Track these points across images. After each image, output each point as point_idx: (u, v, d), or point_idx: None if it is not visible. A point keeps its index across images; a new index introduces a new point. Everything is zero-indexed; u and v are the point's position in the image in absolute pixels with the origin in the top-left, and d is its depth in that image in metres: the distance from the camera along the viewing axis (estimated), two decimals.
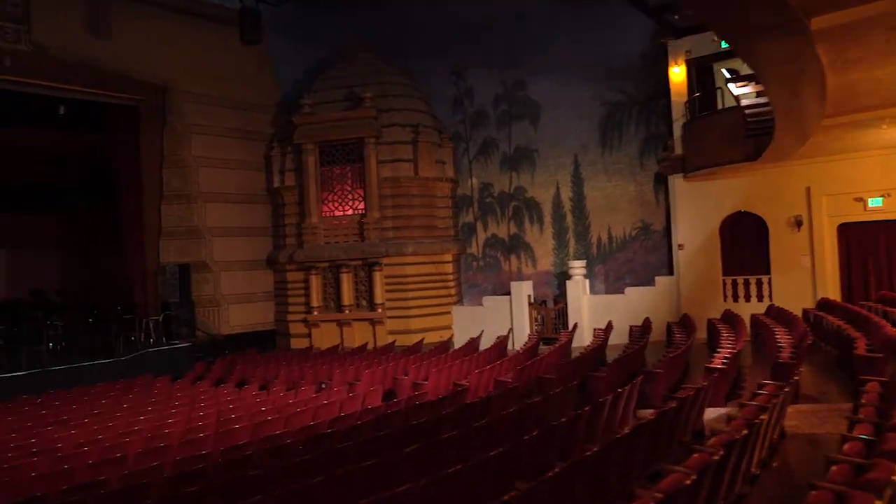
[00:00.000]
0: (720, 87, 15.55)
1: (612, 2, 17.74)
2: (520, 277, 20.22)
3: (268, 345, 19.86)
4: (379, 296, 19.29)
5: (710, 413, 8.37)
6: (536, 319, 19.26)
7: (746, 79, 8.83)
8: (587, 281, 18.82)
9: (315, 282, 19.68)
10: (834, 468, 4.16)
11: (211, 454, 7.08)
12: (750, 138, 12.78)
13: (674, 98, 17.13)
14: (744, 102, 10.20)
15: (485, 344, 16.75)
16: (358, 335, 19.31)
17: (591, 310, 18.42)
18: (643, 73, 18.57)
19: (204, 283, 19.19)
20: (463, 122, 21.27)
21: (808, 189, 15.21)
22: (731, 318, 14.35)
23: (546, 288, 20.27)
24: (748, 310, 15.35)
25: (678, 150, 17.03)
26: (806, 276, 15.45)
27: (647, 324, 15.34)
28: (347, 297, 19.51)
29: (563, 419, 6.28)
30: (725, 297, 16.56)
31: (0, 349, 14.87)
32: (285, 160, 20.17)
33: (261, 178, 20.67)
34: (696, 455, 4.91)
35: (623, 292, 18.33)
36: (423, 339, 17.76)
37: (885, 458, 4.19)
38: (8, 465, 7.30)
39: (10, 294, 20.26)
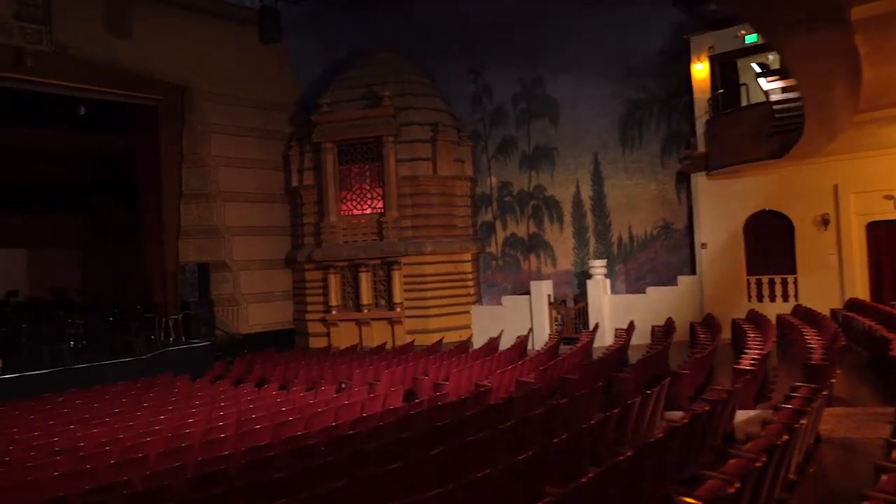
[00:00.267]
0: (745, 84, 15.33)
1: None
2: (539, 277, 20.04)
3: (286, 344, 19.83)
4: (397, 295, 19.20)
5: (740, 416, 8.19)
6: (556, 319, 19.07)
7: (777, 73, 8.62)
8: (608, 280, 18.61)
9: (333, 281, 19.63)
10: (885, 477, 3.98)
11: (233, 455, 7.00)
12: (777, 135, 12.54)
13: (696, 95, 16.89)
14: (773, 98, 9.97)
15: (504, 344, 16.58)
16: (376, 335, 19.23)
17: (611, 310, 18.20)
18: (664, 70, 18.32)
19: (223, 283, 19.20)
20: (482, 121, 21.12)
21: (836, 187, 14.92)
22: (756, 319, 14.10)
23: (566, 287, 20.08)
24: (773, 310, 15.08)
25: (701, 147, 16.78)
26: (833, 276, 15.15)
27: (670, 324, 15.11)
28: (366, 296, 19.44)
29: (591, 422, 6.12)
30: (750, 297, 16.30)
31: (22, 347, 14.96)
32: (304, 159, 20.14)
33: (279, 177, 20.65)
34: (732, 460, 4.75)
35: (644, 292, 18.10)
36: (442, 339, 17.64)
37: None
38: (31, 464, 7.27)
39: (32, 293, 20.37)
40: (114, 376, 14.18)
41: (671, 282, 18.00)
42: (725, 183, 16.42)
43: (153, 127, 18.70)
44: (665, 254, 18.75)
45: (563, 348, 15.59)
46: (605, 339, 17.22)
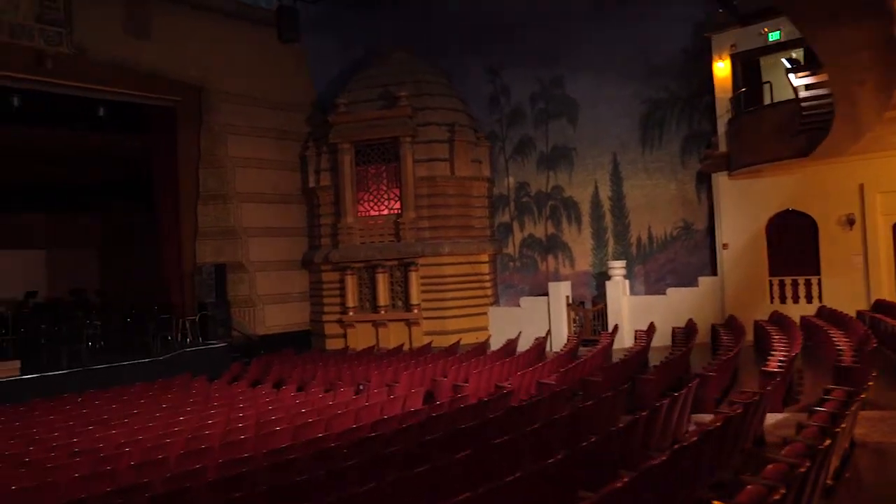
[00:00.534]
0: (768, 82, 15.09)
1: None
2: (557, 278, 19.87)
3: (303, 345, 19.77)
4: (415, 296, 19.10)
5: (769, 419, 8.01)
6: (574, 321, 18.89)
7: (808, 68, 8.43)
8: (627, 281, 18.41)
9: (350, 282, 19.56)
10: None
11: (253, 457, 6.91)
12: (803, 133, 12.30)
13: (718, 94, 16.67)
14: (802, 94, 9.77)
15: (522, 346, 16.42)
16: (393, 336, 19.13)
17: (631, 311, 18.00)
18: (685, 69, 18.12)
19: (240, 284, 19.17)
20: (499, 121, 20.98)
21: (862, 186, 14.66)
22: (780, 320, 13.88)
23: (584, 289, 19.89)
24: (797, 311, 14.86)
25: (722, 147, 16.56)
26: (858, 277, 14.89)
27: (691, 326, 14.89)
28: (383, 297, 19.35)
29: (618, 424, 5.97)
30: (772, 298, 16.06)
31: (41, 348, 15.00)
32: (321, 160, 20.09)
33: (296, 177, 20.61)
34: (771, 465, 4.59)
35: (664, 293, 17.89)
36: (459, 341, 17.51)
37: None
38: (51, 465, 7.23)
39: (51, 294, 20.48)
40: (131, 377, 14.19)
41: (691, 283, 17.78)
42: (747, 183, 16.19)
43: (171, 128, 18.70)
44: (685, 254, 18.53)
45: (582, 350, 15.40)
46: (624, 340, 17.05)
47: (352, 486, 5.30)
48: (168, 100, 18.35)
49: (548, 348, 16.89)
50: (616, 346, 15.83)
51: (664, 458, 4.55)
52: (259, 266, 19.57)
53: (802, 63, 8.63)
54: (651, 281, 18.95)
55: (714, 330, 14.97)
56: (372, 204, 19.89)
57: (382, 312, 19.36)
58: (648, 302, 17.86)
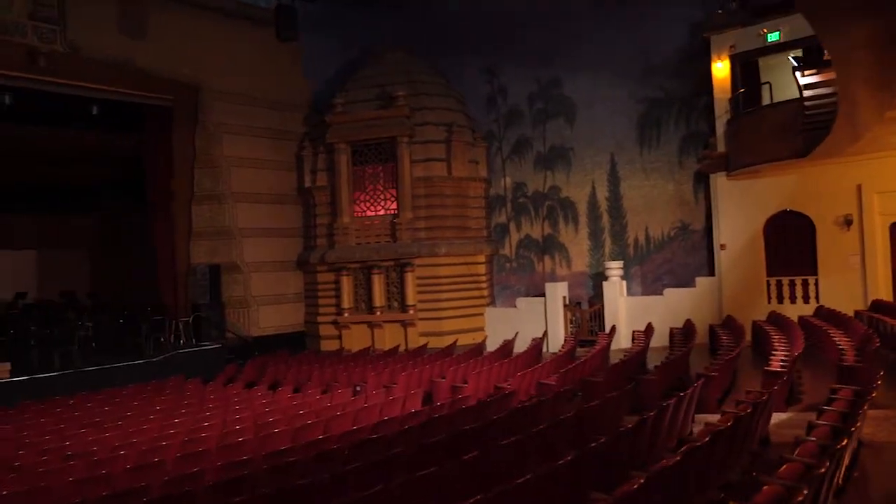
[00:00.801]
0: (768, 82, 15.06)
1: None
2: (553, 279, 19.79)
3: (297, 347, 19.62)
4: (411, 297, 18.96)
5: (772, 419, 7.94)
6: (571, 321, 18.81)
7: (815, 66, 8.37)
8: (624, 282, 18.34)
9: (346, 283, 19.41)
10: None
11: (253, 460, 6.78)
12: (804, 133, 12.25)
13: (716, 95, 16.63)
14: (807, 93, 9.71)
15: (518, 346, 16.32)
16: (389, 337, 18.99)
17: (628, 312, 17.93)
18: (683, 69, 18.09)
19: (234, 285, 19.00)
20: (496, 121, 20.90)
21: (859, 187, 14.64)
22: (778, 321, 13.83)
23: (581, 289, 19.82)
24: (794, 311, 14.84)
25: (721, 147, 16.51)
26: (855, 277, 14.86)
27: (689, 326, 14.81)
28: (379, 298, 19.20)
29: (629, 425, 5.87)
30: (770, 298, 16.02)
31: (31, 350, 14.79)
32: (317, 160, 19.95)
33: (292, 177, 20.46)
34: (786, 465, 4.51)
35: (661, 294, 17.84)
36: (455, 341, 17.39)
37: None
38: (44, 469, 7.07)
39: (41, 295, 20.22)
40: (124, 379, 14.01)
41: (688, 283, 17.73)
42: (746, 183, 16.15)
43: (165, 127, 18.51)
44: (682, 255, 18.48)
45: (580, 351, 15.33)
46: (620, 341, 16.98)
47: (356, 489, 5.18)
48: (163, 99, 18.16)
49: (544, 349, 16.79)
50: (613, 346, 15.75)
51: (678, 458, 4.45)
52: (254, 267, 19.40)
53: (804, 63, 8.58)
54: (648, 281, 18.90)
55: (712, 330, 14.91)
56: (368, 204, 19.75)
57: (378, 313, 19.22)
58: (645, 302, 17.79)
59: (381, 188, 19.62)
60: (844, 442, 4.47)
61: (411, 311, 18.95)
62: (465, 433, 6.88)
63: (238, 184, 19.19)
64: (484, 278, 19.98)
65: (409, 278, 18.96)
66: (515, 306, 19.58)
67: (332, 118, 19.34)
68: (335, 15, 20.88)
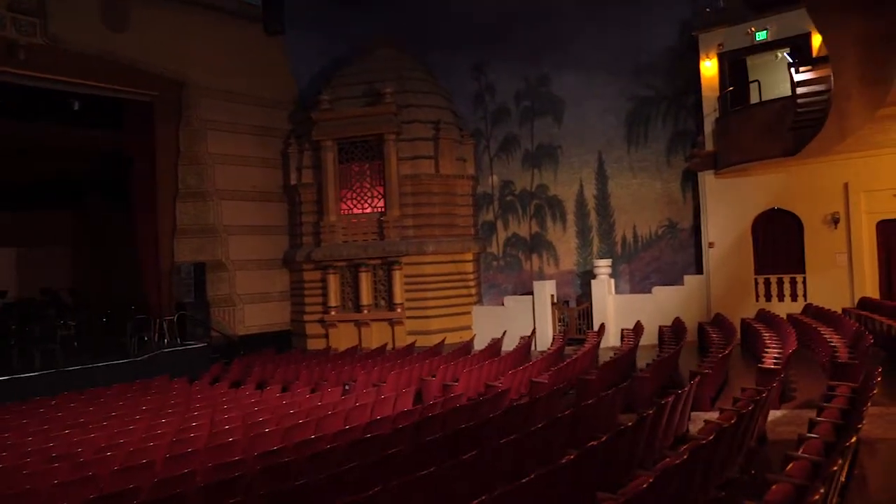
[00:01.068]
0: (757, 80, 15.09)
1: None
2: (541, 277, 19.75)
3: (283, 345, 19.42)
4: (398, 295, 18.83)
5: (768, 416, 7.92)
6: (560, 320, 18.76)
7: (810, 63, 8.35)
8: (612, 280, 18.33)
9: (333, 281, 19.24)
10: None
11: (244, 461, 6.63)
12: (795, 131, 12.27)
13: (705, 93, 16.63)
14: (800, 90, 9.71)
15: (506, 345, 16.25)
16: (376, 336, 18.85)
17: (616, 310, 17.93)
18: (671, 67, 18.12)
19: (219, 283, 18.74)
20: (484, 119, 20.81)
21: (846, 185, 14.70)
22: (767, 318, 13.87)
23: (569, 288, 19.79)
24: (782, 309, 14.88)
25: (709, 146, 16.53)
26: (842, 275, 14.94)
27: (678, 324, 14.81)
28: (366, 296, 19.06)
29: (629, 423, 5.79)
30: (758, 296, 16.06)
31: (12, 349, 14.49)
32: (303, 157, 19.74)
33: (277, 175, 20.23)
34: (794, 463, 4.45)
35: (649, 292, 17.84)
36: (444, 340, 17.28)
37: None
38: (27, 471, 6.86)
39: (21, 293, 19.84)
40: (107, 379, 13.76)
41: (676, 282, 17.75)
42: (734, 181, 16.19)
43: (148, 123, 18.22)
44: (670, 253, 18.51)
45: (568, 349, 15.30)
46: (609, 339, 16.97)
47: (354, 490, 5.05)
48: (146, 94, 17.90)
49: (532, 348, 16.73)
50: (602, 345, 15.71)
51: (685, 457, 4.37)
52: (239, 265, 19.17)
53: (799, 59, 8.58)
54: (636, 280, 18.90)
55: (701, 328, 14.94)
56: (355, 202, 19.58)
57: (365, 312, 19.07)
58: (634, 301, 17.79)
59: (368, 186, 19.46)
60: (854, 439, 4.42)
61: (399, 310, 18.82)
62: (461, 432, 6.78)
63: (223, 181, 18.94)
64: (471, 277, 19.89)
65: (397, 276, 18.82)
66: (503, 305, 19.50)
67: (319, 115, 19.14)
68: (322, 11, 20.65)
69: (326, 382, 12.85)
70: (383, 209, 19.14)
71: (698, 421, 8.14)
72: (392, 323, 18.90)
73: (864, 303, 13.56)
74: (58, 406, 11.34)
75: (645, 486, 3.87)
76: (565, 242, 19.95)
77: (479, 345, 17.01)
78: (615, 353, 13.28)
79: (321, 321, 19.38)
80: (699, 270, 17.50)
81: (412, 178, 19.06)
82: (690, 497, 4.71)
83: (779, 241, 15.84)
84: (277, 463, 6.28)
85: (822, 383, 9.78)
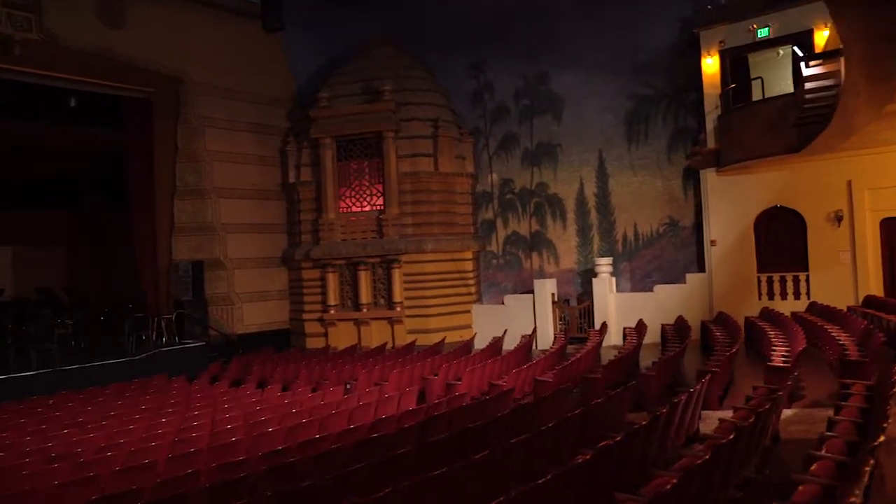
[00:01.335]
0: (759, 77, 15.00)
1: None
2: (541, 275, 19.63)
3: (282, 344, 19.25)
4: (398, 294, 18.69)
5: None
6: (561, 319, 18.66)
7: (821, 57, 8.25)
8: (614, 279, 18.23)
9: (332, 280, 19.10)
10: None
11: (248, 461, 6.49)
12: (800, 127, 12.18)
13: (706, 90, 16.54)
14: (808, 85, 9.60)
15: (507, 344, 16.13)
16: (375, 335, 18.72)
17: (618, 308, 17.83)
18: (671, 65, 18.04)
19: (217, 281, 18.58)
20: (483, 117, 20.69)
21: (850, 183, 14.62)
22: (771, 317, 13.78)
23: (569, 286, 19.69)
24: (785, 307, 14.83)
25: (711, 143, 16.44)
26: (846, 273, 14.87)
27: (683, 323, 14.70)
28: (365, 295, 18.92)
29: (642, 422, 5.68)
30: (760, 294, 15.98)
31: (7, 348, 14.30)
32: (301, 155, 19.59)
33: (276, 173, 20.07)
34: (818, 463, 4.34)
35: (650, 290, 17.74)
36: (444, 339, 17.16)
37: None
38: (27, 471, 6.71)
39: (17, 292, 19.64)
40: (105, 378, 13.57)
41: (677, 280, 17.67)
42: (736, 179, 16.10)
43: (146, 120, 18.04)
44: (671, 251, 18.42)
45: (570, 348, 15.20)
46: (611, 338, 16.88)
47: (363, 491, 4.93)
48: (143, 91, 17.70)
49: (533, 347, 16.62)
50: (604, 343, 15.63)
51: (706, 456, 4.26)
52: (237, 263, 19.00)
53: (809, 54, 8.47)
54: (637, 278, 18.81)
55: (704, 327, 14.83)
56: (354, 200, 19.44)
57: (364, 311, 18.94)
58: (636, 299, 17.68)
59: (367, 184, 19.32)
60: (881, 439, 4.32)
61: (398, 309, 18.69)
62: (469, 431, 6.66)
63: (221, 179, 18.77)
64: (471, 275, 19.78)
65: (396, 275, 18.69)
66: (502, 303, 19.39)
67: (317, 113, 18.99)
68: (319, 9, 20.49)
69: (327, 381, 12.72)
70: (382, 207, 19.01)
71: (708, 420, 8.07)
72: (391, 322, 18.77)
73: (870, 301, 13.47)
74: (55, 405, 11.17)
75: (669, 486, 3.76)
76: (565, 241, 19.85)
77: (480, 344, 16.90)
78: (619, 352, 13.19)
79: (320, 320, 19.24)
80: (700, 268, 17.41)
81: (411, 175, 18.93)
82: (711, 497, 4.60)
83: (781, 239, 15.77)
84: (282, 463, 6.14)
85: (831, 382, 9.71)
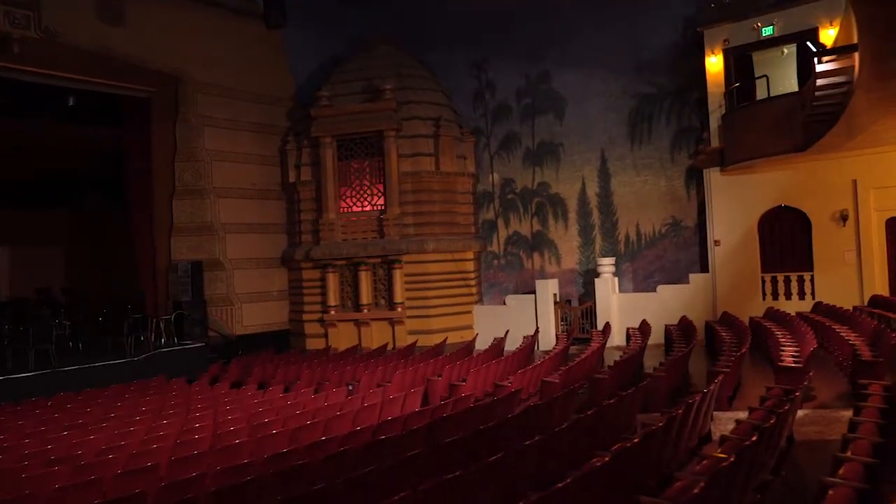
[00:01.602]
0: (765, 76, 14.90)
1: None
2: (543, 276, 19.52)
3: (282, 345, 19.13)
4: (398, 295, 18.56)
5: None
6: (563, 319, 18.54)
7: (836, 52, 8.14)
8: (616, 279, 18.11)
9: (332, 280, 18.95)
10: None
11: (254, 464, 6.34)
12: (808, 124, 12.07)
13: (710, 89, 16.42)
14: (819, 81, 9.49)
15: (508, 345, 16.01)
16: (376, 335, 18.58)
17: (620, 309, 17.71)
18: (674, 64, 17.95)
19: (217, 282, 18.43)
20: (484, 117, 20.58)
21: (855, 182, 14.52)
22: (777, 317, 13.67)
23: (571, 287, 19.58)
24: (790, 308, 14.71)
25: (715, 142, 16.32)
26: (851, 273, 14.77)
27: (688, 324, 14.56)
28: (366, 295, 18.78)
29: (659, 423, 5.55)
30: (764, 295, 15.87)
31: (4, 349, 14.14)
32: (301, 154, 19.45)
33: (276, 172, 19.93)
34: (846, 465, 4.21)
35: (653, 290, 17.65)
36: (445, 340, 17.02)
37: None
38: (26, 474, 6.54)
39: (15, 292, 19.49)
40: (104, 379, 13.43)
41: (680, 280, 17.57)
42: (740, 178, 16.00)
43: (145, 119, 17.94)
44: (674, 251, 18.31)
45: (572, 349, 15.08)
46: (614, 339, 16.75)
47: (375, 495, 4.80)
48: (143, 90, 17.63)
49: (535, 347, 16.49)
50: (608, 344, 15.50)
51: (731, 459, 4.13)
52: (237, 263, 18.85)
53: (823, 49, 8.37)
54: (639, 278, 18.70)
55: (709, 327, 14.72)
56: (354, 200, 19.30)
57: (365, 311, 18.80)
58: (638, 300, 17.57)
59: (368, 183, 19.19)
60: None
61: (399, 309, 18.56)
62: (480, 433, 6.52)
63: (220, 178, 18.63)
64: (473, 275, 19.65)
65: (397, 275, 18.56)
66: (503, 304, 19.29)
67: (317, 111, 18.86)
68: (320, 8, 20.38)
69: (329, 383, 12.59)
70: (383, 207, 18.88)
71: (719, 421, 7.95)
72: (392, 322, 18.63)
73: (876, 300, 13.36)
74: (54, 407, 11.01)
75: (697, 490, 3.63)
76: (567, 241, 19.74)
77: (481, 345, 16.77)
78: (624, 353, 13.06)
79: (320, 321, 19.10)
80: (703, 269, 17.30)
81: (412, 175, 18.80)
82: (734, 500, 4.47)
83: (786, 239, 15.67)
84: (290, 466, 6.00)
85: (840, 382, 9.61)
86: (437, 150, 18.93)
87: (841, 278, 14.79)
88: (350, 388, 11.94)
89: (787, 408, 5.58)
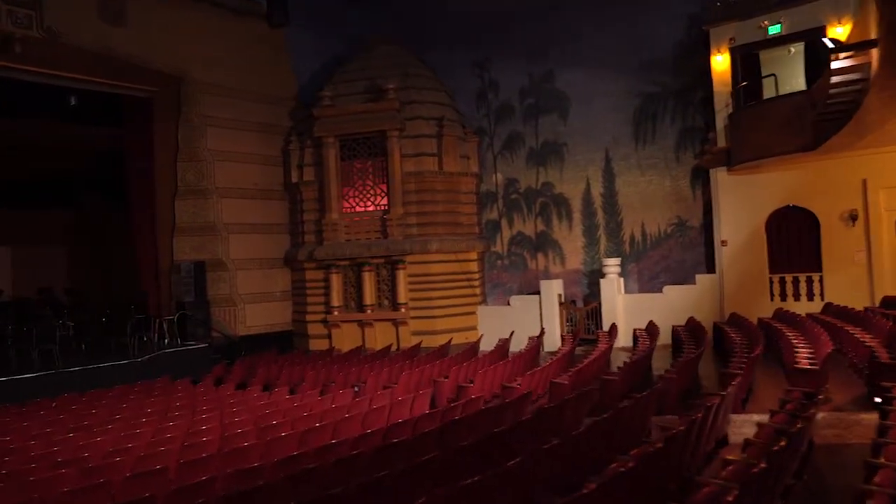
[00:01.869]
0: (773, 74, 14.79)
1: None
2: (547, 276, 19.40)
3: (285, 346, 19.02)
4: (402, 295, 18.44)
5: None
6: (568, 320, 18.43)
7: (852, 48, 8.03)
8: (622, 280, 18.00)
9: (335, 281, 18.83)
10: None
11: (264, 467, 6.23)
12: (818, 123, 11.96)
13: (716, 88, 16.29)
14: (834, 79, 9.38)
15: (513, 346, 15.89)
16: (380, 336, 18.46)
17: (626, 310, 17.60)
18: (679, 63, 17.83)
19: (220, 282, 18.30)
20: (487, 116, 20.47)
21: (865, 182, 14.40)
22: (787, 318, 13.55)
23: (575, 287, 19.46)
24: (798, 309, 14.58)
25: (721, 142, 16.21)
26: (861, 273, 14.65)
27: (696, 325, 14.47)
28: (369, 296, 18.66)
29: (680, 426, 5.44)
30: (773, 295, 15.75)
31: (8, 349, 14.02)
32: (304, 154, 19.33)
33: (278, 172, 19.81)
34: (881, 472, 4.10)
35: (659, 291, 17.52)
36: (450, 340, 16.90)
37: None
38: (34, 477, 6.44)
39: (17, 293, 19.37)
40: (108, 380, 13.33)
41: (685, 280, 17.45)
42: (747, 178, 15.88)
43: (147, 119, 17.81)
44: (679, 252, 18.20)
45: (578, 350, 14.98)
46: (620, 340, 16.62)
47: (393, 501, 4.69)
48: (144, 90, 17.49)
49: (540, 348, 16.36)
50: (613, 346, 15.38)
51: (763, 465, 4.02)
52: (240, 264, 18.73)
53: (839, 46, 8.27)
54: (645, 279, 18.59)
55: (717, 328, 14.60)
56: (357, 200, 19.19)
57: (369, 312, 18.68)
58: (644, 300, 17.45)
59: (371, 183, 19.07)
60: None
61: (403, 310, 18.44)
62: (494, 437, 6.41)
63: (223, 178, 18.51)
64: (476, 276, 19.54)
65: (401, 276, 18.44)
66: (507, 304, 19.18)
67: (320, 111, 18.74)
68: (322, 7, 20.26)
69: (334, 384, 12.49)
70: (386, 207, 18.76)
71: (734, 424, 7.83)
72: (396, 323, 18.52)
73: (888, 301, 13.23)
74: (59, 408, 10.90)
75: (730, 498, 3.52)
76: (572, 241, 19.62)
77: (486, 346, 16.64)
78: (631, 354, 12.97)
79: (324, 321, 18.98)
80: (709, 269, 17.19)
81: (415, 175, 18.68)
82: None
83: (794, 239, 15.54)
84: (301, 470, 5.88)
85: (856, 385, 9.48)
86: (441, 150, 18.82)
87: (850, 279, 14.67)
88: (356, 389, 11.82)
89: (812, 411, 5.46)
